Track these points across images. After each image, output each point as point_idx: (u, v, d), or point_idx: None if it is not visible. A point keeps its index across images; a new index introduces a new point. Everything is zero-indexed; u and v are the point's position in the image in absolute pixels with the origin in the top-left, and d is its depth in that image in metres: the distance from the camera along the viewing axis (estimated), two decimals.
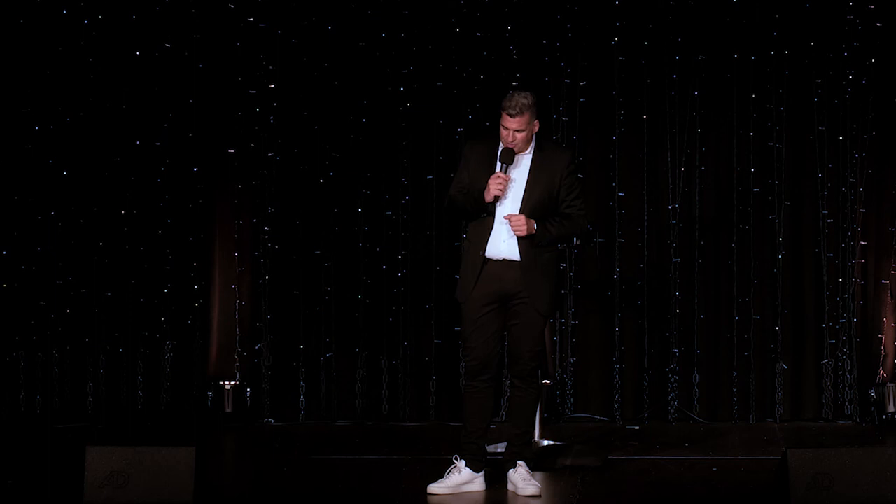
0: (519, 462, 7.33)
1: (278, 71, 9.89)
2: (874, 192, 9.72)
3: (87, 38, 9.86)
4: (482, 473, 7.34)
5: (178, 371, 9.92)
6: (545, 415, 8.59)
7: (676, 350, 9.76)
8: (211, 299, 9.96)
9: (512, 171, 7.17)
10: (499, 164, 7.16)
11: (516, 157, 7.18)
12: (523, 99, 7.11)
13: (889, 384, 9.60)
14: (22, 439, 9.32)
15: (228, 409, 9.84)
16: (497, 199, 7.14)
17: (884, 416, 9.59)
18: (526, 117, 7.10)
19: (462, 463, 7.29)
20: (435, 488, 7.24)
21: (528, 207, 7.16)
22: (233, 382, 9.87)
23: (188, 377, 9.92)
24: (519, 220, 7.12)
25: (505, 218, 7.15)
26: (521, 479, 7.27)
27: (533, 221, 7.12)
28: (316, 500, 7.27)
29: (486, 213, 7.17)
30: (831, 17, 9.65)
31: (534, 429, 7.95)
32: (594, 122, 9.85)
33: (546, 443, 8.34)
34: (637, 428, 9.56)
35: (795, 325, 9.78)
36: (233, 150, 9.91)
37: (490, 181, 7.12)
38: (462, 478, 7.27)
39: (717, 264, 9.83)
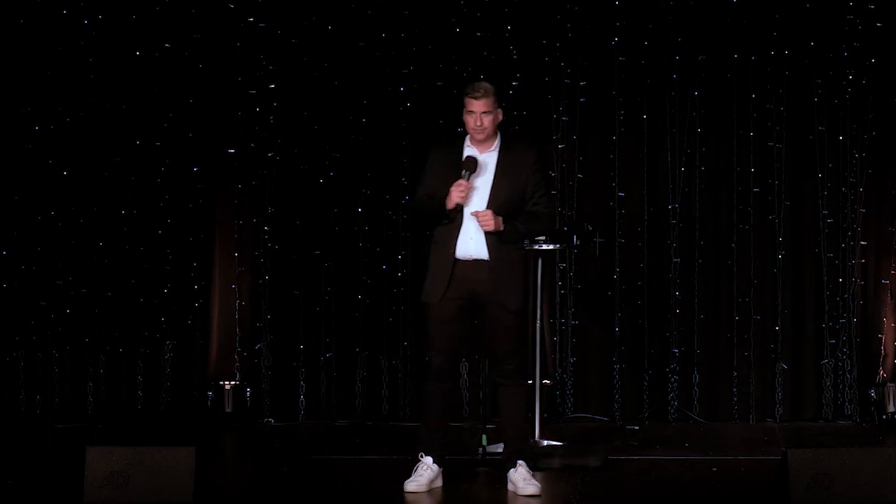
0: (519, 462, 7.32)
1: (278, 71, 9.89)
2: (874, 192, 9.72)
3: (87, 38, 9.85)
4: (442, 469, 7.35)
5: (178, 371, 9.92)
6: (545, 415, 8.59)
7: (676, 350, 9.75)
8: (211, 299, 9.96)
9: (478, 172, 7.17)
10: (462, 172, 7.17)
11: (482, 157, 7.19)
12: (485, 83, 7.20)
13: (889, 384, 9.60)
14: (22, 439, 9.31)
15: (228, 409, 9.84)
16: (459, 207, 7.15)
17: (884, 416, 9.58)
18: (491, 100, 7.15)
19: (429, 459, 7.28)
20: (412, 486, 7.23)
21: (494, 206, 7.16)
22: (233, 382, 9.87)
23: (188, 377, 9.92)
24: (486, 214, 7.12)
25: (472, 214, 7.15)
26: (522, 478, 7.26)
27: (500, 217, 7.13)
28: (316, 500, 7.27)
29: (447, 220, 7.18)
30: (831, 17, 9.65)
31: (531, 426, 7.94)
32: (594, 122, 9.84)
33: (546, 443, 8.34)
34: (637, 428, 9.56)
35: (795, 325, 9.78)
36: (233, 150, 9.91)
37: (452, 189, 7.13)
38: (433, 474, 7.28)
39: (717, 264, 9.82)
